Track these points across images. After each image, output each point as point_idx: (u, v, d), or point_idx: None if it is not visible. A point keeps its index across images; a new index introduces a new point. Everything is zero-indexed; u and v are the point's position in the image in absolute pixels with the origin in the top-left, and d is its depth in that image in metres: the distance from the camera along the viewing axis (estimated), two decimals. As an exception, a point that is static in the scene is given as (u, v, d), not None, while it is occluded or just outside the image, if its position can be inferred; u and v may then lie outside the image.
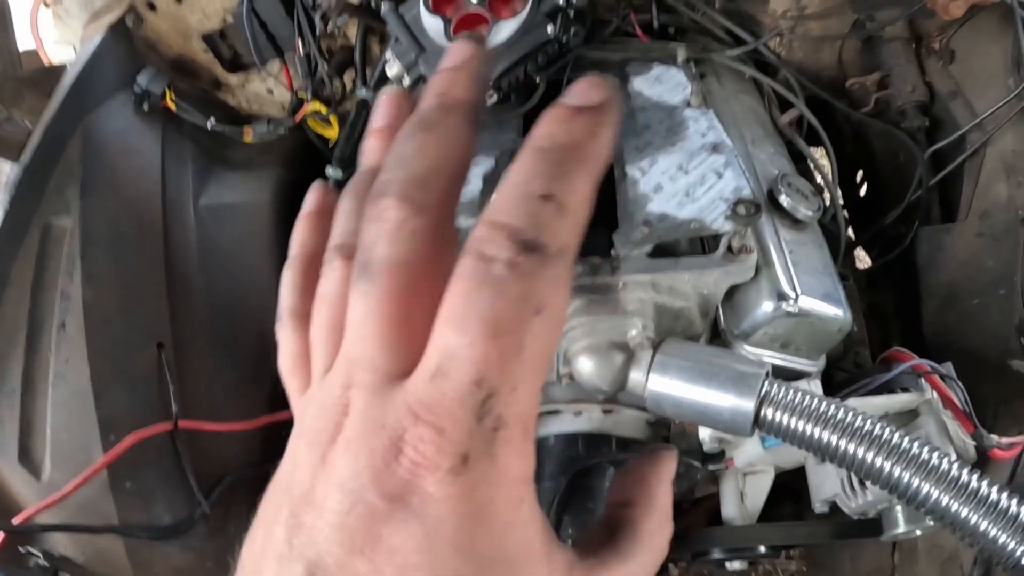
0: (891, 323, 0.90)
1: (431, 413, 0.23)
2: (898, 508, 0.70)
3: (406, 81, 0.82)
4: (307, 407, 0.29)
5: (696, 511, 0.88)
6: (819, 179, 0.88)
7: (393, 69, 0.82)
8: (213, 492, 0.85)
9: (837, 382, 0.77)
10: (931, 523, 0.68)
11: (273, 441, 0.91)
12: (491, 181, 0.68)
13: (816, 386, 0.69)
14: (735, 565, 0.77)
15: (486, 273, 0.23)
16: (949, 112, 0.88)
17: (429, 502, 0.23)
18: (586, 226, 0.26)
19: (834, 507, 0.74)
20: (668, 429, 0.75)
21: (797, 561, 1.26)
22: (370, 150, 0.33)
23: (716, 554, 0.75)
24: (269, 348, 1.04)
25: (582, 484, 0.70)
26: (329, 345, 0.28)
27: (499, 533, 0.24)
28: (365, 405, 0.25)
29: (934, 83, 0.90)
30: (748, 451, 0.70)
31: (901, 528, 0.69)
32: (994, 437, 0.65)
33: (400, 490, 0.23)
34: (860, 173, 1.02)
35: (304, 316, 0.31)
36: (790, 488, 0.80)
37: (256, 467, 0.90)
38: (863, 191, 1.02)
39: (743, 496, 0.76)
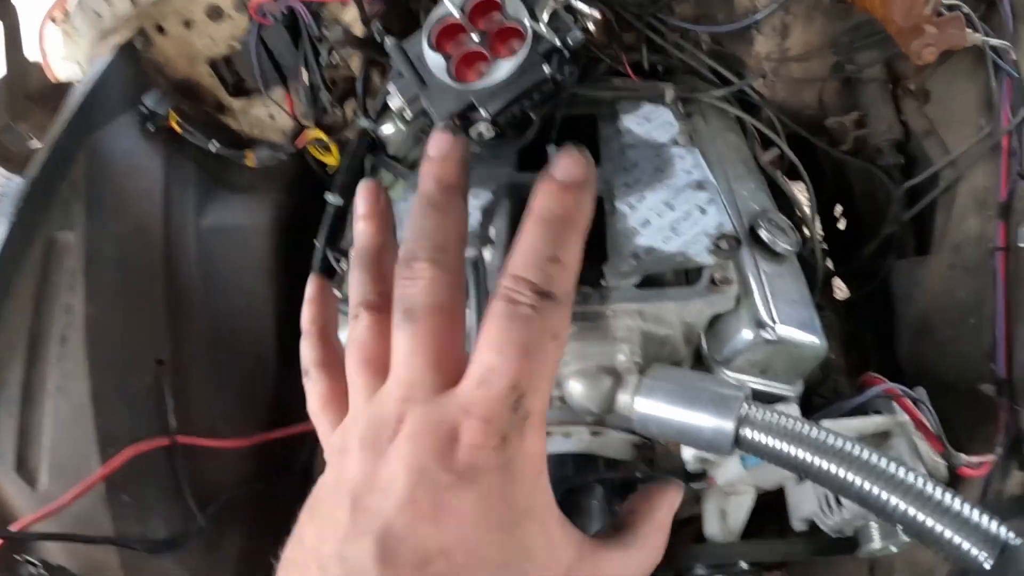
0: (869, 352, 0.95)
1: (479, 408, 0.33)
2: (873, 525, 0.74)
3: (408, 114, 0.86)
4: (351, 428, 0.36)
5: (681, 533, 0.92)
6: (800, 211, 0.93)
7: (395, 102, 0.87)
8: (209, 508, 0.88)
9: (815, 407, 0.82)
10: (905, 539, 0.73)
11: (268, 459, 0.94)
12: (488, 213, 0.73)
13: (794, 409, 0.73)
14: (716, 583, 0.81)
15: (515, 312, 0.33)
16: (923, 150, 0.93)
17: (481, 471, 0.32)
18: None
19: (813, 525, 0.79)
20: (653, 451, 0.80)
21: (782, 578, 1.30)
22: (362, 233, 0.43)
23: (699, 570, 0.79)
24: (265, 369, 1.09)
25: (572, 501, 0.74)
26: (369, 376, 0.37)
27: (529, 492, 0.34)
28: (423, 410, 0.33)
29: (910, 122, 0.96)
30: (729, 470, 0.74)
31: (876, 544, 0.73)
32: (963, 456, 0.70)
33: (461, 465, 0.32)
34: (840, 208, 1.08)
35: (328, 364, 0.41)
36: (774, 508, 0.84)
37: (252, 485, 0.92)
38: (842, 224, 1.08)
39: (725, 515, 0.80)
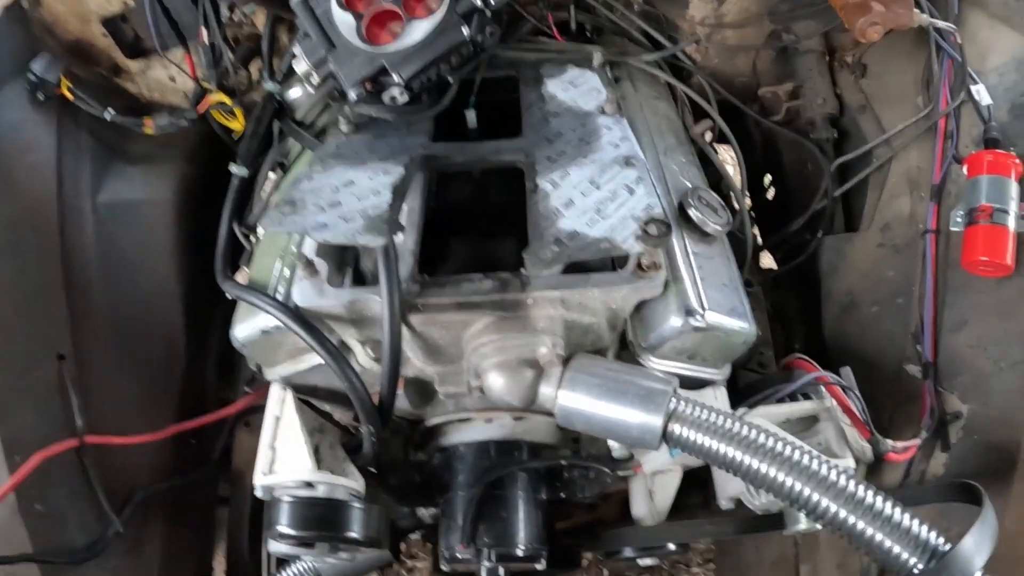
0: (794, 324, 0.89)
1: None
2: (799, 505, 0.69)
3: (314, 79, 0.73)
4: None
5: (607, 504, 0.85)
6: (731, 185, 0.85)
7: (301, 66, 0.73)
8: (125, 509, 0.78)
9: (743, 385, 0.75)
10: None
11: (183, 451, 0.83)
12: (399, 193, 0.62)
13: (722, 393, 0.66)
14: (646, 561, 0.75)
15: None
16: (857, 125, 0.85)
17: None
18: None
19: (739, 501, 0.73)
20: (579, 435, 0.72)
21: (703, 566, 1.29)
22: None
23: (628, 552, 0.73)
24: (175, 355, 0.93)
25: (495, 495, 0.66)
26: None
27: None
28: None
29: (845, 96, 0.88)
30: (656, 458, 0.67)
31: (802, 525, 0.68)
32: (889, 442, 0.64)
33: None
34: (768, 178, 1.00)
35: None
36: (698, 478, 0.78)
37: (169, 480, 0.82)
38: (770, 194, 1.00)
39: (652, 495, 0.74)
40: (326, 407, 0.70)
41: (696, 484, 0.79)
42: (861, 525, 0.48)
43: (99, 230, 0.84)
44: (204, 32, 0.82)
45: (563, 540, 0.78)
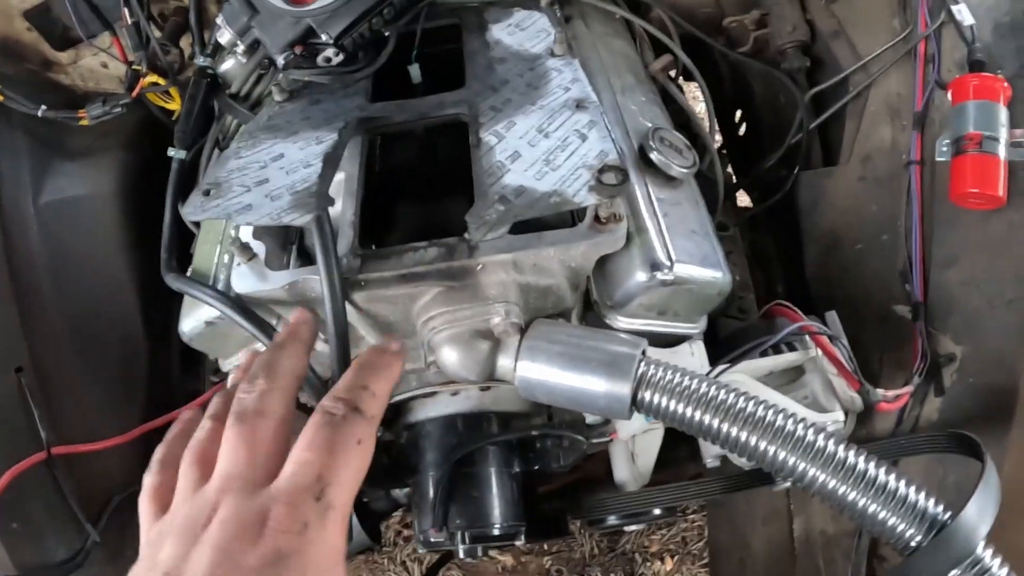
0: (774, 266, 0.82)
1: (285, 496, 0.35)
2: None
3: (239, 48, 0.65)
4: (170, 519, 0.38)
5: (589, 463, 0.79)
6: (697, 123, 0.76)
7: (225, 36, 0.65)
8: (102, 516, 0.74)
9: (725, 335, 0.68)
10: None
11: (154, 450, 0.78)
12: (331, 163, 0.54)
13: (699, 348, 0.60)
14: (633, 527, 0.70)
15: (330, 420, 0.39)
16: (831, 53, 0.76)
17: (283, 555, 0.33)
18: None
19: (725, 458, 0.67)
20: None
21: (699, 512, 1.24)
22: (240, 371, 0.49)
23: (612, 520, 0.67)
24: (136, 352, 0.86)
25: (465, 472, 0.60)
26: (197, 472, 0.39)
27: None
28: (236, 499, 0.35)
29: (816, 22, 0.78)
30: (631, 425, 0.61)
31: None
32: (879, 391, 0.57)
33: (264, 548, 0.33)
34: (740, 113, 0.91)
35: (169, 462, 0.42)
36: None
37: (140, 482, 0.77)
38: (742, 131, 0.91)
39: (634, 457, 0.68)
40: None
41: (682, 437, 0.73)
42: (852, 495, 0.41)
43: (44, 232, 0.77)
44: (127, 12, 0.73)
45: (548, 506, 0.73)
